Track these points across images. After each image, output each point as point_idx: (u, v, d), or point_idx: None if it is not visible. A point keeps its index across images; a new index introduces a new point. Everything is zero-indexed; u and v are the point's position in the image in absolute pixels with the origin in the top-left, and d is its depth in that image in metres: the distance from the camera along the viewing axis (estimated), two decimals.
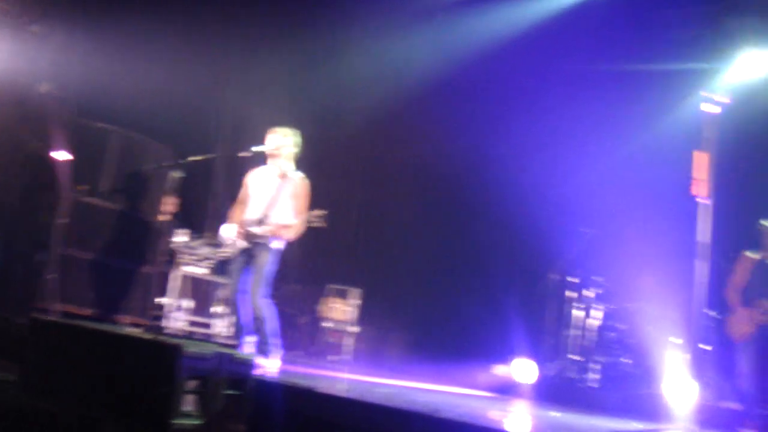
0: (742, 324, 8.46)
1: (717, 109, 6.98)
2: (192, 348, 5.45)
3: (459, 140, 12.54)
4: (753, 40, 10.62)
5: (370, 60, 12.21)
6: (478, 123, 12.56)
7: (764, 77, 10.68)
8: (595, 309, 10.64)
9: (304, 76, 12.39)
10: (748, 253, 8.63)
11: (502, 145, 12.38)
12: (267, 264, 7.66)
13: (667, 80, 10.67)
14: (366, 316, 12.06)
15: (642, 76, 11.04)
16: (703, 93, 7.16)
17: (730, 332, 8.65)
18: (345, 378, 8.86)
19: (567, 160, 11.70)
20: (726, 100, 7.09)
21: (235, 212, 7.98)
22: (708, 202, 6.85)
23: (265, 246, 7.68)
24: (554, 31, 11.53)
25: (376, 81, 12.13)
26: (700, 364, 9.53)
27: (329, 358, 11.58)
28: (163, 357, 5.36)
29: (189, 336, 9.86)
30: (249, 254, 7.73)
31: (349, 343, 11.75)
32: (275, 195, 7.79)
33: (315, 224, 7.60)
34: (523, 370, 10.30)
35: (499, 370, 10.54)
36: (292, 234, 7.69)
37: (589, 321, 10.64)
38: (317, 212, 7.58)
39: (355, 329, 11.83)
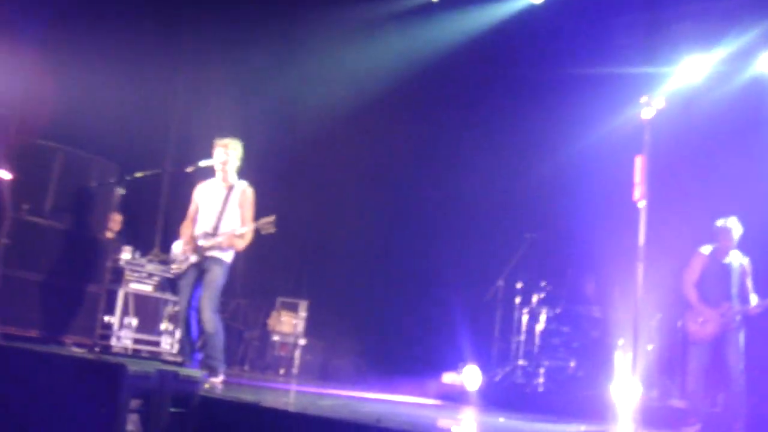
0: (704, 323, 8.57)
1: (653, 114, 7.13)
2: (136, 366, 5.44)
3: (406, 149, 12.62)
4: (693, 46, 10.86)
5: (319, 69, 12.28)
6: (425, 132, 12.66)
7: (702, 81, 10.93)
8: (543, 314, 10.77)
9: (250, 88, 12.40)
10: (702, 250, 8.78)
11: (447, 154, 12.49)
12: (218, 278, 7.70)
13: (613, 84, 10.85)
14: (314, 328, 12.08)
15: (589, 80, 11.22)
16: (643, 98, 7.29)
17: (689, 330, 8.72)
18: (291, 391, 8.88)
19: (513, 166, 11.86)
20: (662, 104, 7.22)
21: (186, 227, 7.99)
22: (646, 201, 6.98)
23: (216, 260, 7.72)
24: (503, 38, 11.70)
25: (325, 91, 12.18)
26: (644, 364, 9.70)
27: (280, 372, 11.59)
28: (106, 376, 5.34)
29: (135, 354, 9.81)
30: (199, 269, 7.76)
31: (299, 356, 11.76)
32: (223, 206, 7.84)
33: (265, 231, 7.66)
34: (471, 377, 10.38)
35: (447, 378, 10.62)
36: (243, 243, 7.76)
37: (537, 326, 10.77)
38: (266, 219, 7.65)
39: (305, 342, 11.85)
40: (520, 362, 10.66)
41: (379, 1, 11.91)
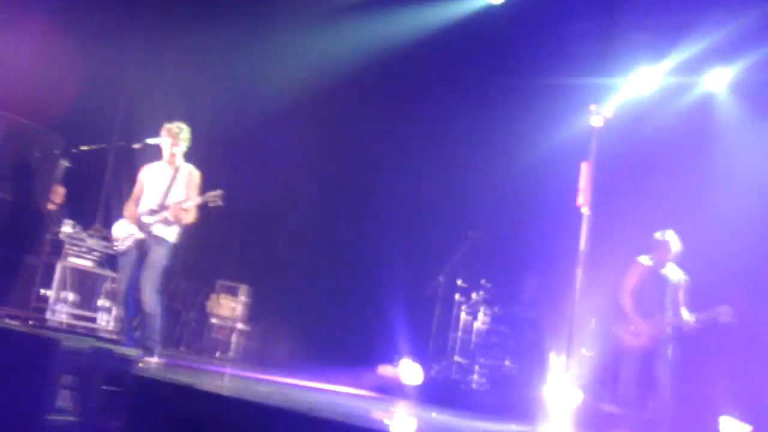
0: (636, 334, 8.71)
1: (601, 122, 7.23)
2: (70, 342, 5.38)
3: (356, 140, 12.62)
4: (645, 58, 11.01)
5: (275, 55, 12.18)
6: (373, 124, 12.66)
7: (652, 94, 11.09)
8: (481, 312, 10.86)
9: (203, 68, 12.28)
10: (641, 259, 8.91)
11: (396, 148, 12.52)
12: (161, 258, 7.70)
13: (564, 91, 10.95)
14: (255, 313, 12.03)
15: (541, 85, 11.32)
16: (592, 106, 7.39)
17: (621, 339, 8.88)
18: (227, 375, 8.85)
19: (461, 163, 11.93)
20: (611, 113, 7.33)
21: (130, 207, 7.93)
22: (587, 211, 7.08)
23: (159, 239, 7.71)
24: (460, 37, 11.74)
25: (278, 76, 12.10)
26: (579, 368, 9.85)
27: (216, 355, 11.52)
28: (39, 351, 5.28)
29: (71, 330, 9.68)
30: (142, 248, 7.71)
31: (236, 340, 11.71)
32: (169, 186, 7.83)
33: (213, 204, 7.65)
34: (409, 371, 10.43)
35: (386, 371, 10.65)
36: (190, 218, 7.74)
37: (475, 324, 10.86)
38: (214, 192, 7.64)
39: (244, 326, 11.80)
40: (457, 359, 10.75)
41: None
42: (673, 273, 8.84)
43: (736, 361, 9.84)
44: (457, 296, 11.01)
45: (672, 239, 8.82)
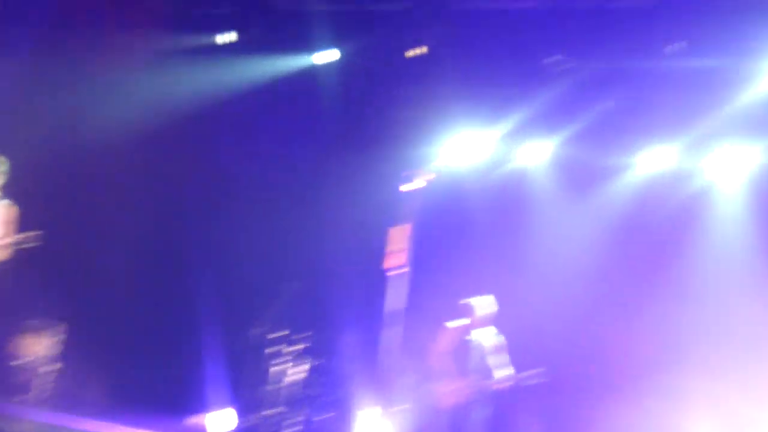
0: (445, 394, 8.98)
1: (421, 186, 7.46)
2: None
3: (171, 183, 12.45)
4: (466, 126, 11.44)
5: (94, 91, 11.97)
6: (202, 168, 12.59)
7: (471, 162, 11.53)
8: (297, 364, 10.87)
9: (24, 96, 11.89)
10: (450, 324, 9.21)
11: (213, 193, 12.49)
12: None
13: (382, 155, 11.23)
14: (65, 354, 11.59)
15: (361, 146, 11.58)
16: (409, 171, 7.62)
17: (435, 398, 9.13)
18: (29, 419, 8.51)
19: (280, 214, 12.03)
20: (430, 178, 7.59)
21: None
22: (404, 271, 7.27)
23: None
24: (289, 92, 11.91)
25: (98, 112, 11.88)
26: (393, 424, 10.02)
27: (19, 397, 11.02)
28: None
29: None
30: None
31: (42, 381, 11.24)
32: None
33: (26, 244, 7.49)
34: (220, 420, 10.30)
35: (196, 420, 10.48)
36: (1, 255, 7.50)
37: (289, 376, 10.85)
38: (29, 233, 7.48)
39: (51, 367, 11.34)
40: (272, 410, 10.68)
41: (170, 34, 11.88)
42: (485, 336, 9.17)
43: (545, 420, 10.26)
44: (276, 347, 10.99)
45: (481, 305, 9.19)
